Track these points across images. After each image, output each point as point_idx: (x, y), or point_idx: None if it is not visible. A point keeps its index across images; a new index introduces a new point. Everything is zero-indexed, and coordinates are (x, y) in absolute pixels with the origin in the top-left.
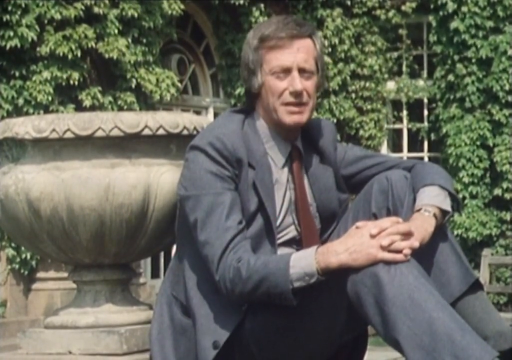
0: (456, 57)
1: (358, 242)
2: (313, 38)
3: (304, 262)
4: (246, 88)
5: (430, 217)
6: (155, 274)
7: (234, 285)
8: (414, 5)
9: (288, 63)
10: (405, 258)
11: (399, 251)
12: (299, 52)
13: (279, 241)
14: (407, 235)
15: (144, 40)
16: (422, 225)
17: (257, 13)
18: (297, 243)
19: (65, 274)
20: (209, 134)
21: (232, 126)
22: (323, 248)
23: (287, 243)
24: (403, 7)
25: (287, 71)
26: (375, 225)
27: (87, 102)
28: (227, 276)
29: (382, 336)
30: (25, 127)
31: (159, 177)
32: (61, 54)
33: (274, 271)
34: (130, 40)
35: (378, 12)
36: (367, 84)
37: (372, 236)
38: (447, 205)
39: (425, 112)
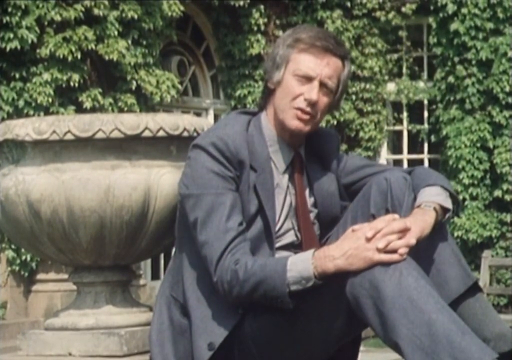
0: (456, 59)
1: (354, 246)
2: (344, 61)
3: (301, 266)
4: (265, 81)
5: (430, 211)
6: (155, 276)
7: (231, 287)
8: (414, 6)
9: (313, 73)
10: (402, 257)
11: (395, 251)
12: (327, 67)
13: (277, 245)
14: (403, 231)
15: (144, 42)
16: (422, 218)
17: (257, 15)
18: (295, 248)
19: (65, 276)
20: (212, 133)
21: (236, 127)
22: (320, 252)
23: (285, 247)
24: (403, 9)
25: (309, 79)
26: (370, 228)
27: (88, 104)
28: (224, 278)
29: (382, 338)
30: (25, 128)
31: (159, 179)
32: (61, 56)
33: (271, 274)
34: (130, 41)
35: (378, 13)
36: (367, 86)
37: (368, 239)
38: (448, 204)
39: (425, 114)
